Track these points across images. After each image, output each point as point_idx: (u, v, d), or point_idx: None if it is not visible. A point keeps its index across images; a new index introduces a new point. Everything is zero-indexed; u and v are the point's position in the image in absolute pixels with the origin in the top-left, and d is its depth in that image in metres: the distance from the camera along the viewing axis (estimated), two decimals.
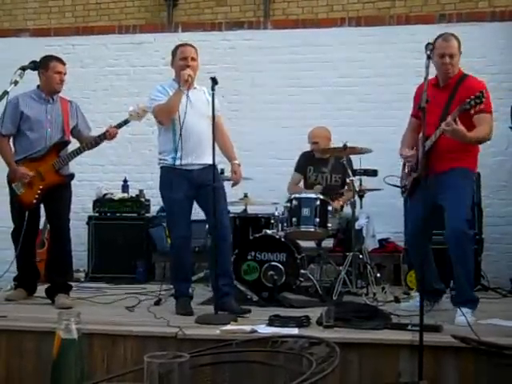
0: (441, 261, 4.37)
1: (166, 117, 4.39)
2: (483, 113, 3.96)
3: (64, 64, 4.83)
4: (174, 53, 4.54)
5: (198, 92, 4.51)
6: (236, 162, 4.62)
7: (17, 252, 4.75)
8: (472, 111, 3.88)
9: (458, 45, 4.18)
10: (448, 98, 4.11)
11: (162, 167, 4.51)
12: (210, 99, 4.28)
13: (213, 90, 4.22)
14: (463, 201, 4.07)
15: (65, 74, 4.82)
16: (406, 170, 4.41)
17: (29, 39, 7.50)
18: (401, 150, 4.39)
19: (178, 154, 4.37)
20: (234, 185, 4.70)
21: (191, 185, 4.42)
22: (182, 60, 4.44)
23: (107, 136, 4.76)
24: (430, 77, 3.98)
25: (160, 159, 4.52)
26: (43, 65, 4.72)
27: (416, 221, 4.20)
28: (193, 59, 4.44)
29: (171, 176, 4.43)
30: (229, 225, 4.58)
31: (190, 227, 4.52)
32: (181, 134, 4.32)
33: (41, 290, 4.95)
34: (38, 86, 4.83)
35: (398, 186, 4.68)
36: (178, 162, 4.38)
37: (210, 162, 4.25)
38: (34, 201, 4.71)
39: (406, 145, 4.40)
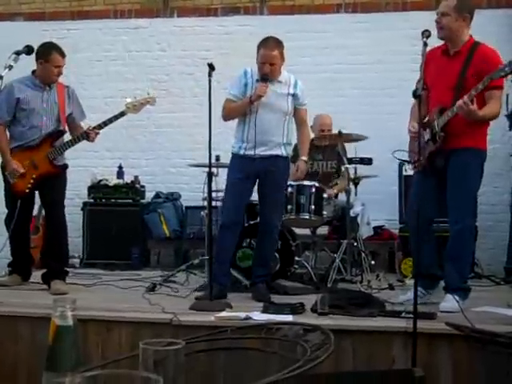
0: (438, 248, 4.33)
1: (226, 118, 4.62)
2: (496, 89, 3.84)
3: (64, 56, 4.71)
4: (259, 47, 4.55)
5: (281, 85, 4.54)
6: (303, 158, 4.71)
7: (9, 238, 4.73)
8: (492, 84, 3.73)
9: (454, 3, 3.91)
10: (462, 67, 3.92)
11: (231, 153, 4.65)
12: (293, 91, 4.51)
13: (209, 76, 4.23)
14: (469, 186, 3.98)
15: (63, 66, 4.73)
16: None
17: (23, 23, 7.44)
18: (410, 124, 4.19)
19: (244, 145, 4.52)
20: (294, 181, 4.89)
21: (252, 171, 4.51)
22: (261, 63, 4.51)
23: (87, 136, 4.63)
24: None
25: (232, 145, 4.65)
26: (44, 54, 4.61)
27: (420, 195, 4.01)
28: (271, 64, 4.47)
29: (235, 162, 4.60)
30: (277, 219, 4.64)
31: (242, 212, 4.64)
32: (254, 128, 4.45)
33: (35, 275, 4.95)
34: (33, 72, 4.73)
35: (407, 162, 4.54)
36: (242, 152, 4.53)
37: (275, 153, 4.48)
38: (27, 190, 4.68)
39: (414, 118, 4.14)
